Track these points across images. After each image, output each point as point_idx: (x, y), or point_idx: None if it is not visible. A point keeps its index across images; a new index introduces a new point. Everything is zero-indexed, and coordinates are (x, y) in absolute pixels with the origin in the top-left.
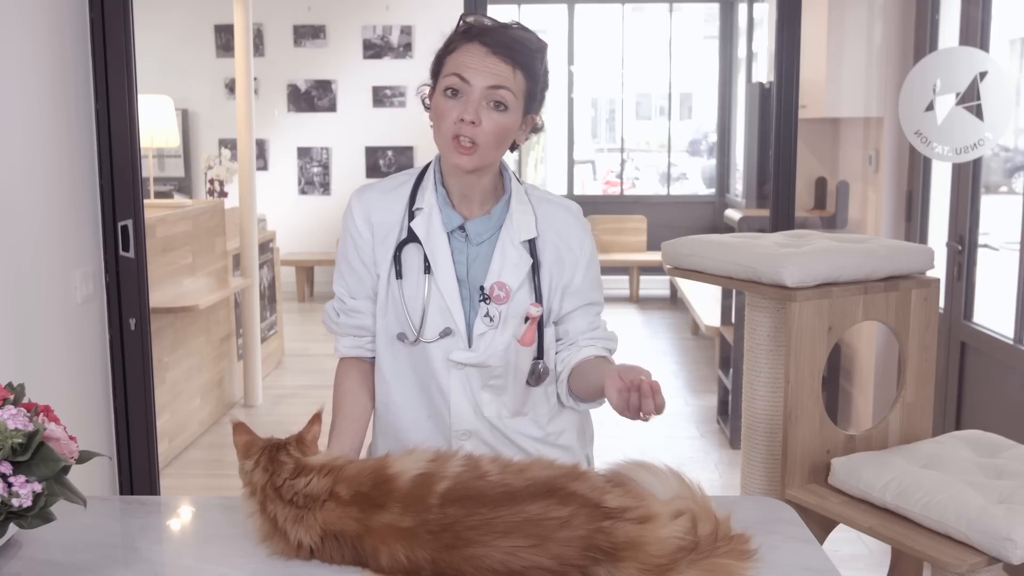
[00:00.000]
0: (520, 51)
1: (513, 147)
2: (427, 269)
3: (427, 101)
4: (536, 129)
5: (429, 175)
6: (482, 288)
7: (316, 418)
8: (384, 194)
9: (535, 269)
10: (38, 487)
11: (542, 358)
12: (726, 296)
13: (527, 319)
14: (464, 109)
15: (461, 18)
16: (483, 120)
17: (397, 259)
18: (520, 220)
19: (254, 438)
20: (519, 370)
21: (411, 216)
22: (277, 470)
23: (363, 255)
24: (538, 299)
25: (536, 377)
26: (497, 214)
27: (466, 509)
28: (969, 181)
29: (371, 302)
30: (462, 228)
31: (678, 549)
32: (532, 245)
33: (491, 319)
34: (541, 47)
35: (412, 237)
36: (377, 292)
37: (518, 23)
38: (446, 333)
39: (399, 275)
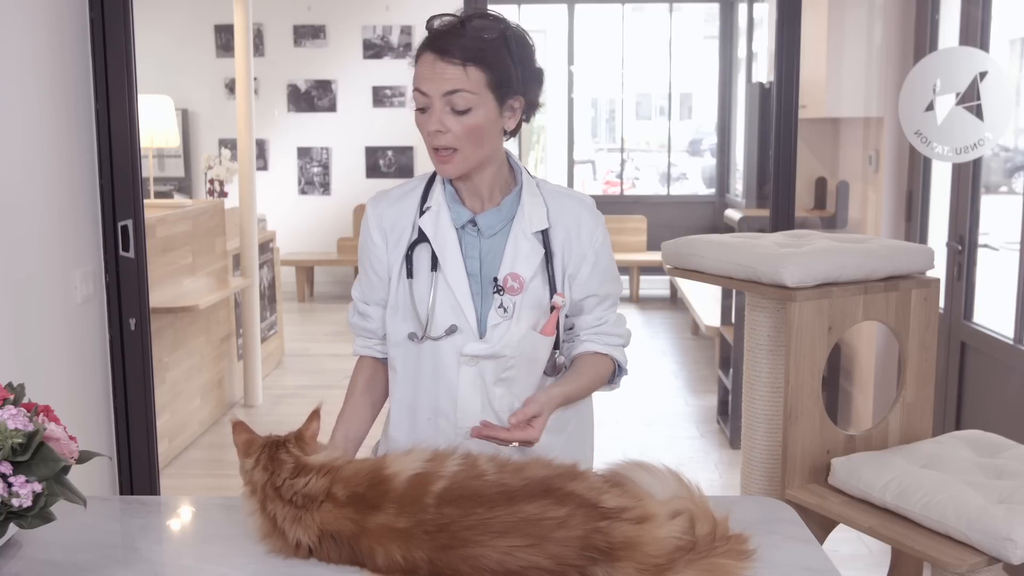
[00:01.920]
0: (468, 47)
1: (514, 133)
2: (435, 266)
3: None
4: (531, 109)
5: (438, 175)
6: (495, 279)
7: (315, 414)
8: (397, 199)
9: (548, 259)
10: (38, 487)
11: (558, 348)
12: (726, 296)
13: (552, 308)
14: (429, 120)
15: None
16: (449, 126)
17: (408, 259)
18: (532, 211)
19: (254, 436)
20: (535, 360)
21: (422, 215)
22: (277, 469)
23: (375, 263)
24: (552, 288)
25: (553, 367)
26: (508, 206)
27: (462, 509)
28: (969, 181)
29: (381, 308)
30: (474, 223)
31: (676, 549)
32: (545, 236)
33: (505, 310)
34: (499, 32)
35: (423, 236)
36: (388, 297)
37: (481, 12)
38: (452, 330)
39: (410, 274)
